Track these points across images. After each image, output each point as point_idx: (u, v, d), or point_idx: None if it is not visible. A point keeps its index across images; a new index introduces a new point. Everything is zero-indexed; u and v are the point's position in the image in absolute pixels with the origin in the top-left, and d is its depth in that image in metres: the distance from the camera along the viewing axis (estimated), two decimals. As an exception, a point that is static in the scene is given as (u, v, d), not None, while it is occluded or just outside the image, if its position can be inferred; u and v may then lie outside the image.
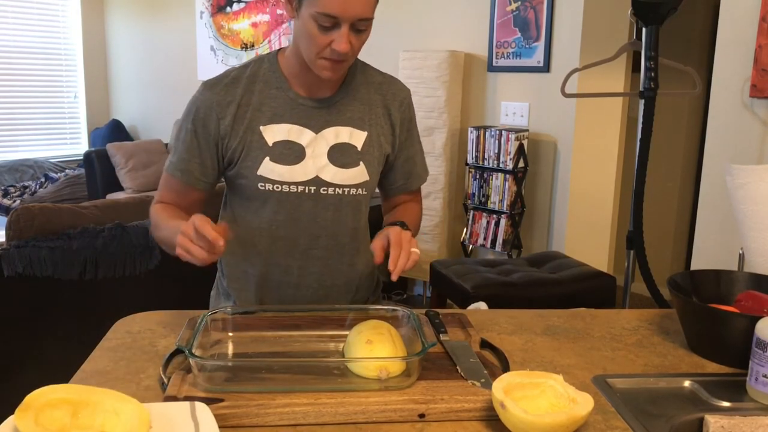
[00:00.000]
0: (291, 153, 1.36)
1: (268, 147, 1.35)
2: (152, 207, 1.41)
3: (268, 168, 1.35)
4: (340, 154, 1.38)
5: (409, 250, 1.22)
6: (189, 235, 1.14)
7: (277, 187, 1.36)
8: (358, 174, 1.39)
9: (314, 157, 1.37)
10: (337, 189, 1.38)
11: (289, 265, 1.42)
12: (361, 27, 1.25)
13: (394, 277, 1.18)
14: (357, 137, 1.39)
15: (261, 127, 1.35)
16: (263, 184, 1.36)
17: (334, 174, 1.38)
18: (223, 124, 1.35)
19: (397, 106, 1.45)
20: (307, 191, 1.37)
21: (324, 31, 1.23)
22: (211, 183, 1.42)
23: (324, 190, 1.38)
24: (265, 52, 1.45)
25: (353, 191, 1.40)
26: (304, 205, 1.38)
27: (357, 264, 1.48)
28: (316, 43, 1.25)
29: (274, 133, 1.36)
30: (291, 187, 1.36)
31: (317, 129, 1.37)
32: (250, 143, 1.35)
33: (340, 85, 1.40)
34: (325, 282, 1.45)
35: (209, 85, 1.37)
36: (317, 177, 1.37)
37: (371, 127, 1.41)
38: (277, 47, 1.53)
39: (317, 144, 1.37)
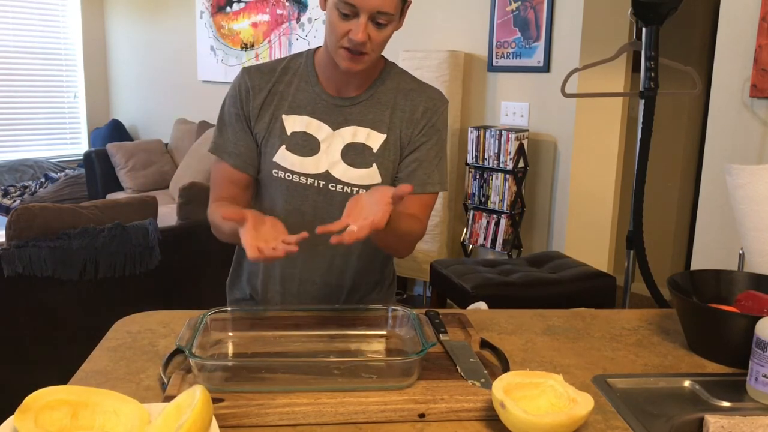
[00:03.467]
0: (306, 145, 1.39)
1: (286, 136, 1.39)
2: (209, 208, 1.43)
3: (282, 156, 1.39)
4: (355, 154, 1.39)
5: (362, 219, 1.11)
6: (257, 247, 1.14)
7: (288, 176, 1.39)
8: (369, 175, 1.39)
9: (328, 152, 1.39)
10: (345, 187, 1.39)
11: (294, 256, 1.42)
12: (381, 21, 1.26)
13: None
14: (374, 139, 1.40)
15: (283, 116, 1.40)
16: (276, 171, 1.40)
17: (344, 171, 1.39)
18: (252, 106, 1.40)
19: (422, 111, 1.41)
20: (315, 184, 1.39)
21: (344, 19, 1.27)
22: (257, 167, 1.44)
23: (332, 186, 1.39)
24: (303, 50, 1.50)
25: (362, 191, 1.38)
26: (311, 198, 1.40)
27: (364, 265, 1.48)
28: (336, 31, 1.28)
29: (293, 124, 1.39)
30: (301, 177, 1.39)
31: (335, 126, 1.39)
32: (272, 130, 1.40)
33: (368, 87, 1.41)
34: (330, 281, 1.45)
35: (247, 70, 1.44)
36: (327, 172, 1.39)
37: (391, 130, 1.40)
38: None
39: (333, 140, 1.39)
